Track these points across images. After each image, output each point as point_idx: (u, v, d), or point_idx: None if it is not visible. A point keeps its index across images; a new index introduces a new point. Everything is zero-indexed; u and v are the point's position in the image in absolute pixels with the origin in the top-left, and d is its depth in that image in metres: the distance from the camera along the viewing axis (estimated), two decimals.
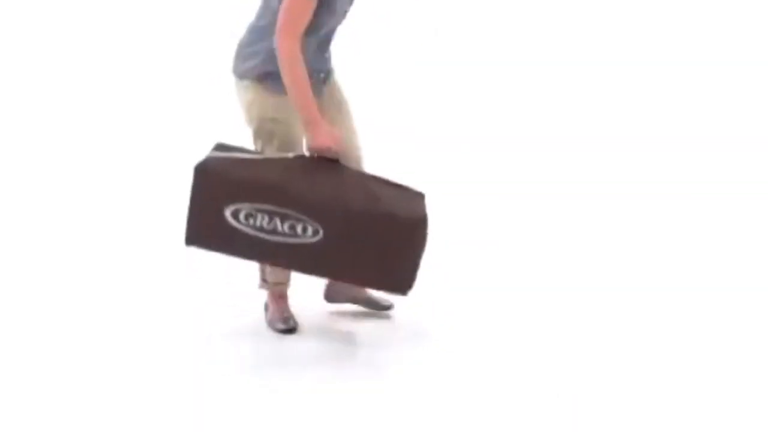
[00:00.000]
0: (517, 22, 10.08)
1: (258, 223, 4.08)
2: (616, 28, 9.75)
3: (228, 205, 4.07)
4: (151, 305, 4.73)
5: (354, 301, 4.64)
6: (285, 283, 4.48)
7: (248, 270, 5.12)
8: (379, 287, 4.15)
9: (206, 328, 4.50)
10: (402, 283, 4.14)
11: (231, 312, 4.67)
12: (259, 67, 4.24)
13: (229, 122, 7.61)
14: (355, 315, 4.64)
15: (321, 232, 4.07)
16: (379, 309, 4.63)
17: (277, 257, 4.12)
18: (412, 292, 4.82)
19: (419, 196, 4.25)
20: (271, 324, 4.45)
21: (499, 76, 8.67)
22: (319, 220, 4.06)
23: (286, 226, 4.08)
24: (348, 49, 9.76)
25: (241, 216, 4.08)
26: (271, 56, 4.23)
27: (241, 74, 4.28)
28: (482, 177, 6.47)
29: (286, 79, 4.09)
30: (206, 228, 4.11)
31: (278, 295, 4.51)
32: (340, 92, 4.44)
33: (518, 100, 8.08)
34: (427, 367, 4.14)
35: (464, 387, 3.97)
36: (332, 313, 4.65)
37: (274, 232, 4.08)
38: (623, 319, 4.56)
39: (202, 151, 6.91)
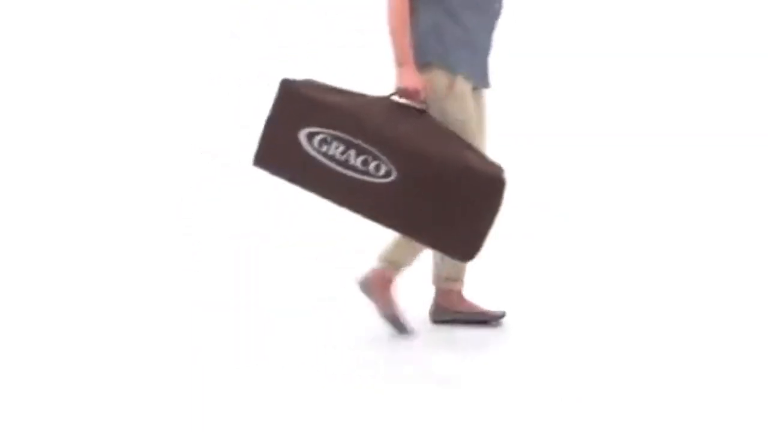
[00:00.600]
0: (543, 16, 10.09)
1: (331, 151, 3.93)
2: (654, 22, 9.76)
3: (304, 126, 3.94)
4: (152, 295, 4.73)
5: (461, 315, 4.43)
6: (402, 269, 4.29)
7: (249, 258, 5.12)
8: (442, 248, 3.95)
9: (208, 320, 4.50)
10: (468, 246, 3.94)
11: (233, 303, 4.67)
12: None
13: (228, 122, 7.62)
14: (360, 314, 4.64)
15: (394, 173, 3.90)
16: (493, 320, 4.42)
17: (342, 193, 3.95)
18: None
19: (497, 165, 4.02)
20: (389, 318, 4.30)
21: (529, 68, 8.67)
22: (394, 160, 3.90)
23: (359, 161, 3.92)
24: (377, 47, 9.77)
25: (316, 140, 3.94)
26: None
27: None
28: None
29: (391, 15, 4.10)
30: (277, 148, 3.96)
31: (389, 279, 4.27)
32: (484, 108, 4.34)
33: (553, 92, 8.08)
34: (436, 368, 4.14)
35: (477, 390, 3.97)
36: (339, 312, 4.65)
37: (345, 164, 3.93)
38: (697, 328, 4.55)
39: (202, 149, 6.92)
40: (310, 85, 4.01)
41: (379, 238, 5.45)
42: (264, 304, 4.67)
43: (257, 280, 4.95)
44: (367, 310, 4.66)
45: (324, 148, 3.93)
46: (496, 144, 7.12)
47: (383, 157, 3.90)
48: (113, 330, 4.44)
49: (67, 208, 5.92)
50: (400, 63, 4.10)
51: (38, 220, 5.75)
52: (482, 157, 4.02)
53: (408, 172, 3.88)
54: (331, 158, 3.93)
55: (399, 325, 4.30)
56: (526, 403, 3.82)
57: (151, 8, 10.58)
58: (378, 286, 4.26)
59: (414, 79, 4.07)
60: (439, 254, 4.41)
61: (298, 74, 8.73)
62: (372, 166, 3.91)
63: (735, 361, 4.15)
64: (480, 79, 4.26)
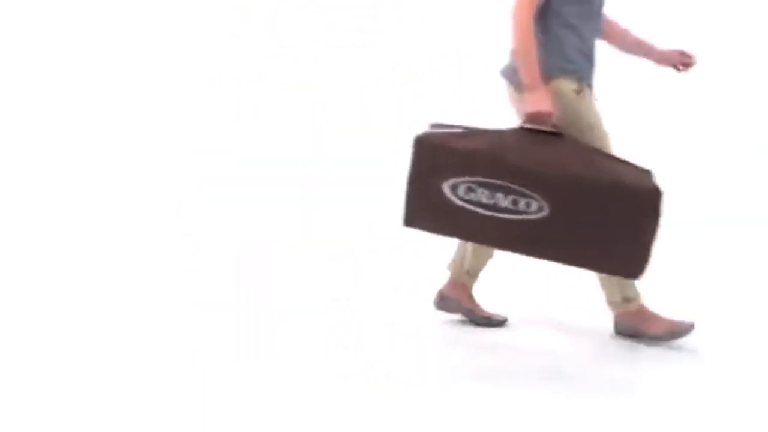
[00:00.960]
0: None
1: (478, 198, 3.88)
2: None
3: (446, 178, 3.89)
4: (162, 295, 4.72)
5: (466, 314, 4.45)
6: (637, 296, 4.30)
7: (262, 258, 5.11)
8: (609, 270, 3.88)
9: (220, 320, 4.49)
10: (634, 264, 3.86)
11: (247, 303, 4.67)
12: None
13: (228, 122, 7.60)
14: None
15: (546, 207, 3.83)
16: (495, 325, 4.45)
17: (498, 236, 3.89)
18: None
19: (646, 172, 3.92)
20: (675, 332, 4.27)
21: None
22: (543, 194, 3.83)
23: (508, 201, 3.86)
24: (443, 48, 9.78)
25: (461, 190, 3.89)
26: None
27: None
28: None
29: (517, 38, 4.03)
30: (424, 205, 3.93)
31: (640, 310, 4.29)
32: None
33: None
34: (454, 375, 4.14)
35: (489, 391, 3.96)
36: (352, 312, 4.64)
37: (495, 207, 3.87)
38: None
39: (203, 149, 6.89)
40: (440, 133, 3.94)
41: (392, 238, 5.44)
42: (277, 304, 4.67)
43: (270, 280, 4.95)
44: (381, 310, 4.65)
45: (470, 196, 3.89)
46: None
47: (532, 193, 3.84)
48: (121, 331, 4.43)
49: (68, 208, 5.90)
50: (530, 87, 4.02)
51: (39, 219, 5.73)
52: (630, 166, 3.93)
53: (561, 202, 3.82)
54: (480, 204, 3.88)
55: (683, 330, 4.26)
56: (536, 403, 3.82)
57: (151, 8, 10.57)
58: (640, 320, 4.29)
59: (546, 103, 3.98)
60: (465, 248, 4.39)
61: (303, 76, 8.72)
62: (522, 204, 3.85)
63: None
64: (592, 90, 4.22)
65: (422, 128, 3.84)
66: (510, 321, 4.54)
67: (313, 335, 4.39)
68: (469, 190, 3.89)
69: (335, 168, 6.52)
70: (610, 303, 4.33)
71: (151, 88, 8.43)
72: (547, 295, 4.83)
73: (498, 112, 7.86)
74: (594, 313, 4.65)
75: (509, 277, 5.04)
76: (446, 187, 3.90)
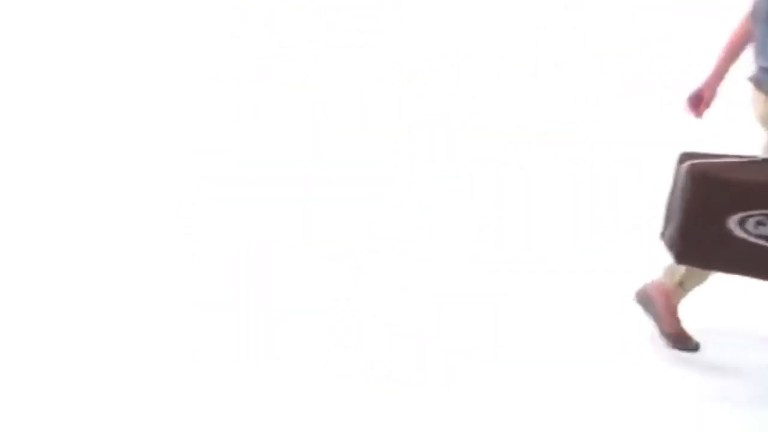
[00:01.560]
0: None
1: None
2: None
3: (734, 213, 3.77)
4: (162, 295, 4.72)
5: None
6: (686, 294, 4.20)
7: (262, 258, 5.11)
8: None
9: (220, 320, 4.49)
10: None
11: (247, 303, 4.66)
12: None
13: (228, 123, 7.59)
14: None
15: None
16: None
17: None
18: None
19: None
20: (673, 337, 4.20)
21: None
22: None
23: None
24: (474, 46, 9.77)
25: (750, 224, 3.77)
26: None
27: None
28: None
29: None
30: (704, 240, 3.81)
31: (673, 298, 4.18)
32: None
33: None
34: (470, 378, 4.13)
35: (486, 394, 3.96)
36: (352, 312, 4.64)
37: None
38: None
39: (203, 149, 6.88)
40: (719, 166, 3.82)
41: (392, 238, 5.45)
42: (277, 304, 4.66)
43: (270, 280, 4.94)
44: (381, 310, 4.65)
45: (760, 230, 3.78)
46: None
47: None
48: (121, 331, 4.42)
49: (67, 208, 5.89)
50: None
51: (38, 219, 5.73)
52: None
53: None
54: None
55: (687, 344, 4.18)
56: (536, 403, 3.82)
57: (151, 8, 10.55)
58: (664, 306, 4.16)
59: None
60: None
61: (303, 76, 8.71)
62: None
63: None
64: None
65: (679, 160, 3.68)
66: (509, 320, 4.54)
67: (313, 335, 4.38)
68: (759, 223, 3.77)
69: (335, 168, 6.52)
70: (668, 274, 4.17)
71: (150, 88, 8.42)
72: (549, 293, 4.83)
73: (498, 112, 7.85)
74: (599, 314, 4.65)
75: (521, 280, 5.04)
76: (732, 222, 3.78)
